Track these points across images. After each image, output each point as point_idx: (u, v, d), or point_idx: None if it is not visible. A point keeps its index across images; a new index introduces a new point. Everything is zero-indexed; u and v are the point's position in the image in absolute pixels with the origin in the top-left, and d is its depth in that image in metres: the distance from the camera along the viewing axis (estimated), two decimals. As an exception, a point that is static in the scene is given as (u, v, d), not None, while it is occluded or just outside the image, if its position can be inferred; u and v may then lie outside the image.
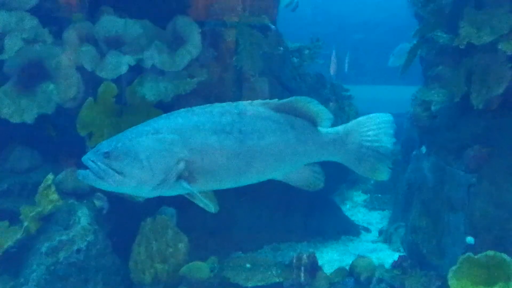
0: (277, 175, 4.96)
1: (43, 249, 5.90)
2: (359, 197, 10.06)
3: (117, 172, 4.49)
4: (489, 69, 6.14)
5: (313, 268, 6.54)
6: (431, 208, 6.58)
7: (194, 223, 6.54)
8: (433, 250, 6.50)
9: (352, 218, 8.91)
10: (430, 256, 6.50)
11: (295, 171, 5.04)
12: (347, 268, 6.72)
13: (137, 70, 6.66)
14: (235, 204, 6.98)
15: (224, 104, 4.72)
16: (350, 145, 4.96)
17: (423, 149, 7.02)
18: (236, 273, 6.48)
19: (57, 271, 5.86)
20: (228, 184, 4.84)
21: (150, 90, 6.41)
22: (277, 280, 6.48)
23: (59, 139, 6.67)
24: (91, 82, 6.54)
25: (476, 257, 5.87)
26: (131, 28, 6.62)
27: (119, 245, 6.43)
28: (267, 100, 4.79)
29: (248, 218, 7.30)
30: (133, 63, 6.49)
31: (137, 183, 4.53)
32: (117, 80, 6.54)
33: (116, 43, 6.59)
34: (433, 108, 6.60)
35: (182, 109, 4.72)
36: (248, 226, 7.32)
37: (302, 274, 6.48)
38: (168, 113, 4.74)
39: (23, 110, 6.28)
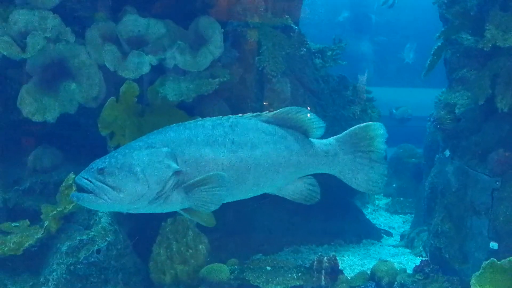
0: (272, 188, 4.95)
1: (64, 249, 5.89)
2: (381, 200, 9.99)
3: (112, 187, 4.47)
4: (514, 71, 6.09)
5: (334, 271, 6.49)
6: (454, 213, 6.52)
7: (214, 224, 6.50)
8: (456, 255, 6.43)
9: (374, 222, 8.85)
10: (452, 261, 6.43)
11: (290, 184, 5.02)
12: (369, 272, 6.67)
13: (159, 70, 6.65)
14: (255, 206, 6.95)
15: (215, 118, 4.73)
16: (343, 156, 4.95)
17: (447, 152, 6.95)
18: (256, 276, 6.45)
19: (77, 271, 5.86)
20: (226, 196, 4.82)
21: (171, 90, 6.40)
22: (297, 283, 6.44)
23: (81, 139, 6.67)
24: (113, 81, 6.53)
25: (499, 262, 5.79)
26: (154, 28, 6.61)
27: (139, 245, 6.42)
28: (258, 113, 4.80)
29: (269, 220, 7.27)
30: (155, 63, 6.48)
31: (133, 197, 4.50)
32: (139, 80, 6.53)
33: (138, 43, 6.59)
34: (457, 111, 6.54)
35: (174, 124, 4.73)
36: (269, 228, 7.29)
37: (322, 278, 6.44)
38: (160, 129, 4.73)
39: (45, 109, 6.28)
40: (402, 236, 8.34)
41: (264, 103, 7.07)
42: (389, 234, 8.53)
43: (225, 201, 4.82)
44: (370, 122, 5.05)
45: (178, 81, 6.46)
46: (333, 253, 6.91)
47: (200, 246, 6.44)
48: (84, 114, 6.52)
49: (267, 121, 4.81)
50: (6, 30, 6.29)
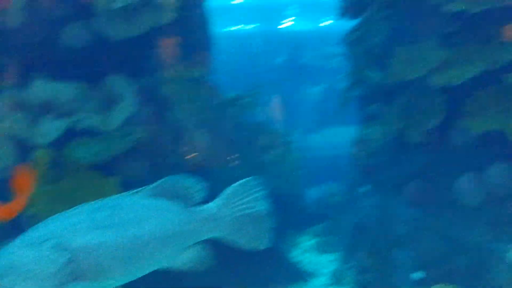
0: (163, 262, 4.96)
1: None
2: (307, 242, 9.97)
3: None
4: (422, 102, 6.24)
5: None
6: (378, 246, 6.57)
7: None
8: (384, 288, 6.48)
9: (300, 264, 8.81)
10: (381, 295, 6.48)
11: (180, 255, 5.06)
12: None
13: (72, 131, 6.58)
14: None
15: (97, 200, 4.73)
16: (224, 219, 4.94)
17: (366, 187, 7.04)
18: None
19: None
20: (121, 277, 4.80)
21: (84, 153, 6.32)
22: None
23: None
24: (25, 148, 6.44)
25: (427, 292, 5.88)
26: (63, 91, 6.55)
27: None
28: (138, 189, 4.83)
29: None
30: (67, 126, 6.41)
31: None
32: (53, 144, 6.45)
33: (49, 108, 6.51)
34: (371, 146, 6.64)
35: (56, 215, 4.71)
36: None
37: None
38: (42, 222, 4.70)
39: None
40: (331, 275, 8.34)
41: (184, 156, 7.05)
42: (316, 275, 8.49)
43: (126, 281, 4.81)
44: (246, 178, 5.07)
45: (91, 142, 6.40)
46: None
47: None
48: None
49: (150, 195, 4.84)
50: None
